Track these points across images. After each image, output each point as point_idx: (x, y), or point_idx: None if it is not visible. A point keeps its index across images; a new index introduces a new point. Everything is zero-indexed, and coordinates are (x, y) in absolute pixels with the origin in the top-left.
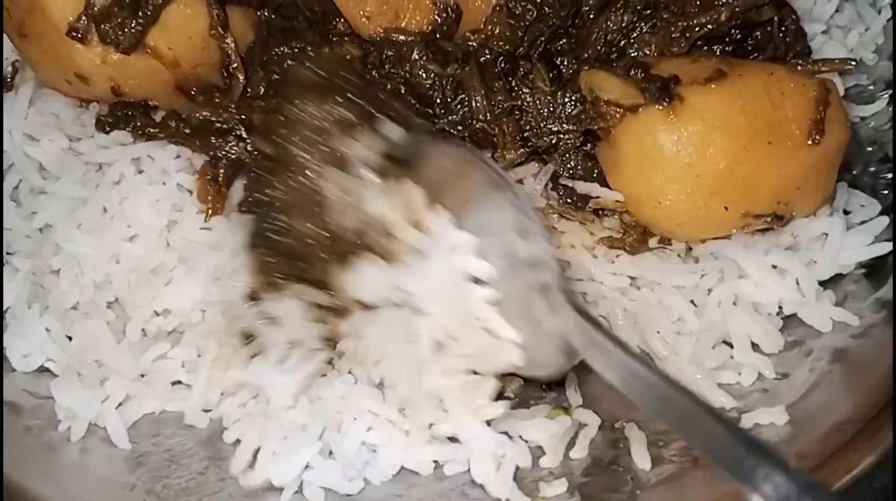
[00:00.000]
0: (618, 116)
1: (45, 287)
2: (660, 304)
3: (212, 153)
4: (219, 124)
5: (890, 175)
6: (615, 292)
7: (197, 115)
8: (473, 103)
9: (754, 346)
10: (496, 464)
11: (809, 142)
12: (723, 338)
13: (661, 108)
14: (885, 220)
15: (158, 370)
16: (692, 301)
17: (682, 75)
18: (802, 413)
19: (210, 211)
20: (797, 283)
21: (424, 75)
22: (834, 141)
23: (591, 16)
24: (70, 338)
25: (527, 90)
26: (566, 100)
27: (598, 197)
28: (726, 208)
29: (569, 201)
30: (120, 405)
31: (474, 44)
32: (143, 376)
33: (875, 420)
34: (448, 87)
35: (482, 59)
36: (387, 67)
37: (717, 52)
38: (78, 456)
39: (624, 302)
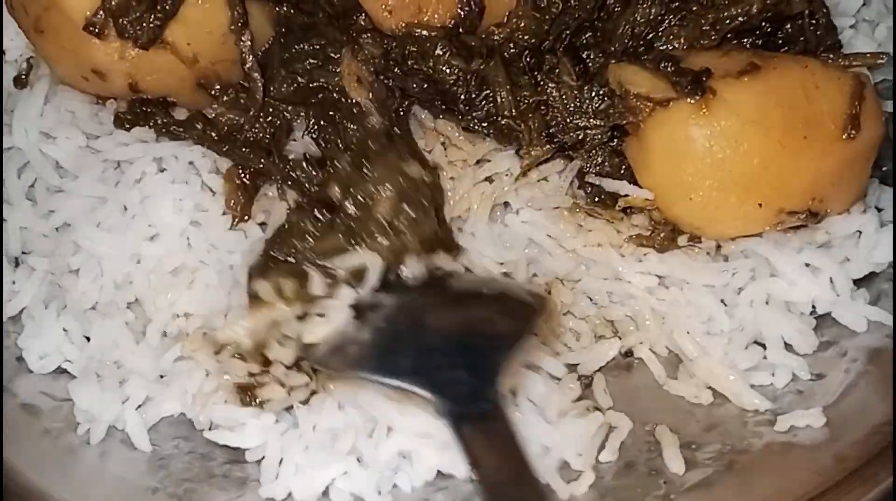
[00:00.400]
0: (647, 110)
1: (62, 287)
2: (689, 303)
3: (231, 156)
4: (248, 133)
5: None
6: (643, 292)
7: (222, 118)
8: (498, 99)
9: (787, 346)
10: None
11: (844, 137)
12: (755, 338)
13: (692, 102)
14: None
15: (179, 372)
16: (722, 301)
17: (713, 68)
18: (840, 415)
19: (237, 218)
20: (831, 281)
21: (448, 71)
22: (869, 136)
23: (618, 8)
24: (88, 339)
25: (553, 85)
26: (593, 94)
27: (626, 195)
28: (760, 205)
29: (596, 198)
30: (140, 406)
31: (499, 38)
32: (162, 377)
33: None
34: (472, 82)
35: (506, 53)
36: (409, 62)
37: (748, 46)
38: (98, 459)
39: (651, 302)
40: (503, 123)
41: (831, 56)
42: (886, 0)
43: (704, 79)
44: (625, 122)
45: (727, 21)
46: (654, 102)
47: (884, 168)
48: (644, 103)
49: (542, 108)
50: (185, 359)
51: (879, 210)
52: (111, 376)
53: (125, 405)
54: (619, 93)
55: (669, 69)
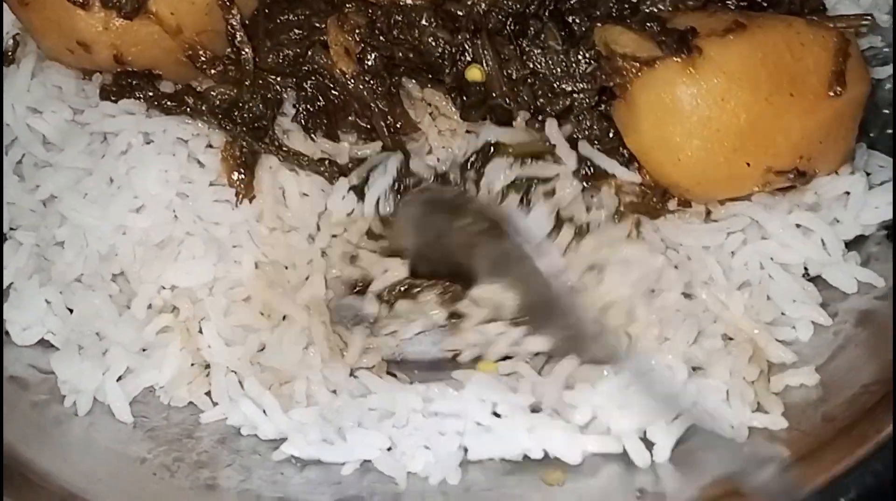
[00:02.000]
0: (634, 70)
1: (48, 259)
2: (689, 263)
3: (232, 134)
4: (244, 111)
5: None
6: None
7: (213, 92)
8: (488, 77)
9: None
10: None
11: (831, 94)
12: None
13: (679, 61)
14: None
15: (160, 344)
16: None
17: (699, 28)
18: (829, 376)
19: (242, 195)
20: (822, 243)
21: (434, 43)
22: (855, 93)
23: None
24: (71, 311)
25: (538, 51)
26: (579, 57)
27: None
28: (748, 164)
29: (589, 169)
30: (121, 378)
31: (483, 6)
32: (144, 350)
33: None
34: (459, 56)
35: (490, 23)
36: (395, 32)
37: (733, 8)
38: (86, 430)
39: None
40: (495, 103)
41: (815, 18)
42: None
43: (690, 37)
44: (612, 83)
45: None
46: (640, 62)
47: (871, 134)
48: (631, 64)
49: (530, 79)
50: (166, 331)
51: (867, 174)
52: (92, 346)
53: (105, 376)
54: (606, 54)
55: (655, 29)
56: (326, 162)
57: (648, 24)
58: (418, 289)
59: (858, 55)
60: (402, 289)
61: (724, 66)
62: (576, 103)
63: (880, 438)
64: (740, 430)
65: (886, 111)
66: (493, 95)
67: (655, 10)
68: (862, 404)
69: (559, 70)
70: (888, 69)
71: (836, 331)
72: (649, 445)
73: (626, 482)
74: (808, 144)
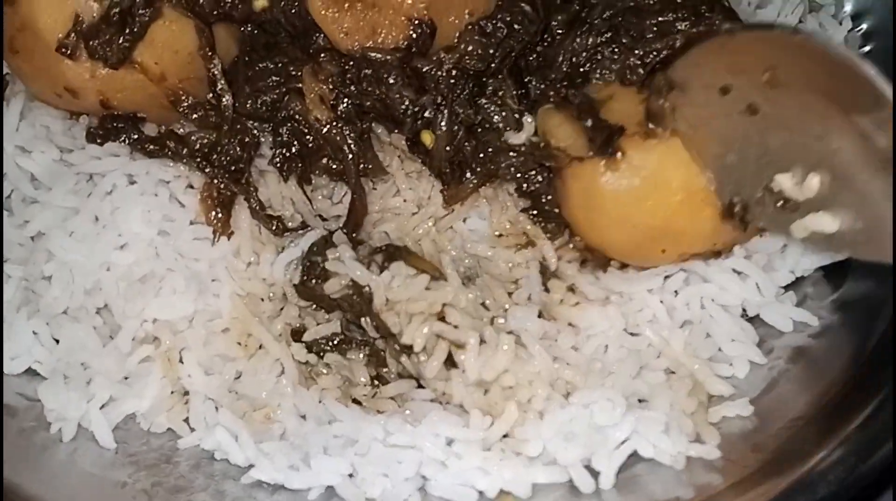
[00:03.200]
0: (567, 160)
1: (36, 292)
2: (632, 303)
3: (211, 176)
4: (221, 155)
5: None
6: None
7: (193, 137)
8: (437, 146)
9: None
10: None
11: None
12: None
13: (603, 160)
14: None
15: (143, 373)
16: (661, 301)
17: (630, 118)
18: (762, 408)
19: (219, 233)
20: (757, 286)
21: (399, 98)
22: None
23: (560, 32)
24: (57, 341)
25: (495, 108)
26: (528, 121)
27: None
28: (664, 251)
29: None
30: (104, 406)
31: (449, 64)
32: (126, 378)
33: (830, 416)
34: (420, 115)
35: (452, 80)
36: (364, 84)
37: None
38: (69, 456)
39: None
40: (436, 164)
41: None
42: (822, 18)
43: (616, 138)
44: (547, 164)
45: (654, 54)
46: (571, 156)
47: None
48: (564, 154)
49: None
50: (148, 361)
51: None
52: (77, 376)
53: (90, 403)
54: (543, 142)
55: (588, 124)
56: (276, 221)
57: (583, 116)
58: (348, 346)
59: None
60: (334, 343)
61: (643, 169)
62: (521, 166)
63: (802, 471)
64: (679, 460)
65: None
66: (436, 162)
67: (604, 80)
68: (788, 437)
69: (510, 128)
70: None
71: (771, 366)
72: (594, 473)
73: None
74: (722, 235)
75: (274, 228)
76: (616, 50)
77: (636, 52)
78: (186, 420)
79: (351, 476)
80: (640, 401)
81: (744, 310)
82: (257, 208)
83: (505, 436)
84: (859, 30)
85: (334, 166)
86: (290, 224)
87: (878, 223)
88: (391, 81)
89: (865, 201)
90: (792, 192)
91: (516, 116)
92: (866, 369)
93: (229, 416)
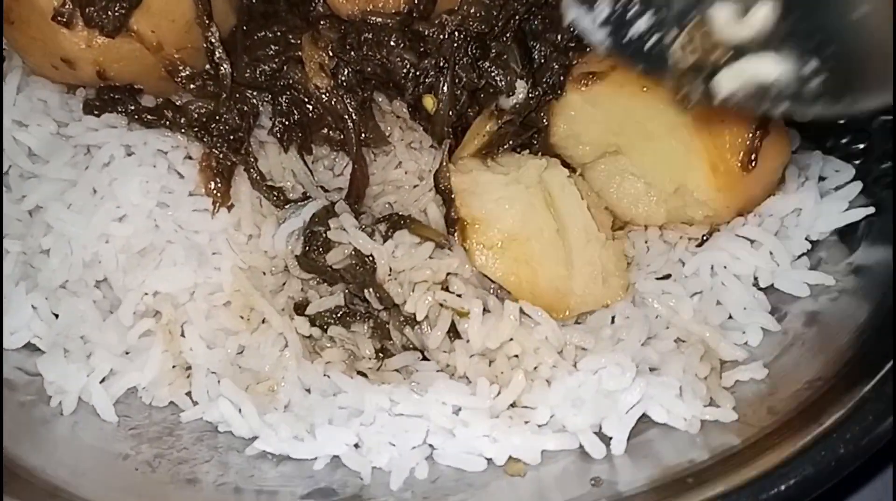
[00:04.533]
0: None
1: (34, 267)
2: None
3: (209, 146)
4: (221, 124)
5: (861, 146)
6: None
7: (192, 106)
8: (439, 110)
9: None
10: None
11: None
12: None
13: None
14: (859, 185)
15: (145, 347)
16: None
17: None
18: (777, 371)
19: (219, 203)
20: (770, 254)
21: (400, 62)
22: None
23: None
24: (56, 316)
25: (499, 70)
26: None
27: None
28: None
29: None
30: (105, 379)
31: (451, 27)
32: (127, 353)
33: (846, 376)
34: (422, 79)
35: (455, 42)
36: (364, 49)
37: None
38: (70, 429)
39: None
40: (437, 130)
41: None
42: None
43: None
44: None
45: None
46: None
47: (827, 145)
48: None
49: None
50: (149, 335)
51: (822, 179)
52: (77, 350)
53: (90, 377)
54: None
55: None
56: (277, 192)
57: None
58: (352, 319)
59: None
60: (337, 316)
61: None
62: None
63: (820, 430)
64: (693, 423)
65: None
66: (437, 124)
67: None
68: (805, 398)
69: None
70: None
71: (785, 330)
72: (605, 439)
73: (583, 470)
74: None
75: (275, 199)
76: None
77: None
78: (189, 394)
79: (357, 445)
80: (651, 370)
81: (755, 279)
82: (258, 178)
83: (512, 405)
84: None
85: (335, 136)
86: (291, 195)
87: (862, 65)
88: (392, 44)
89: (842, 37)
90: (725, 30)
91: (518, 80)
92: (882, 330)
93: (232, 388)
